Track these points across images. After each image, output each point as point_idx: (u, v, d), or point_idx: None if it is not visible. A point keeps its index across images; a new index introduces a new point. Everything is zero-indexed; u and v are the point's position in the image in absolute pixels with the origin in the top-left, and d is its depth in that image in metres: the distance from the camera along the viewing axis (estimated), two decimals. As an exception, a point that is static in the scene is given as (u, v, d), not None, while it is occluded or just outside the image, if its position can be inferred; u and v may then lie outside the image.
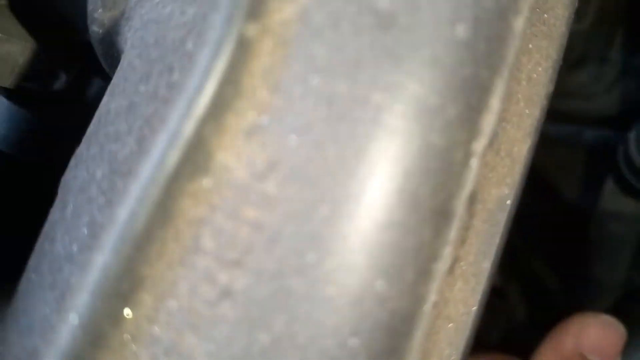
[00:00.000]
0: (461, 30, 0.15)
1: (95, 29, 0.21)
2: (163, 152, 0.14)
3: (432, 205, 0.15)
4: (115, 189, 0.16)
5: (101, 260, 0.14)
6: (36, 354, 0.16)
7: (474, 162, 0.16)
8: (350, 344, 0.14)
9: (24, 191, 0.42)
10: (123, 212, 0.14)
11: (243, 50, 0.14)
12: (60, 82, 0.35)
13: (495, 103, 0.16)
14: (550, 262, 0.86)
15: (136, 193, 0.14)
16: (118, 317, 0.14)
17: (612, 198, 0.68)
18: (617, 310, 0.63)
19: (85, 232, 0.16)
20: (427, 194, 0.15)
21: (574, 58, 0.71)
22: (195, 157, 0.14)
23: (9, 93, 0.34)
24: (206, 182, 0.15)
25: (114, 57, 0.22)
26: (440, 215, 0.15)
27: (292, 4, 0.15)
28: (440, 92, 0.15)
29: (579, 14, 0.70)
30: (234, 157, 0.15)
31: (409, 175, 0.15)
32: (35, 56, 0.34)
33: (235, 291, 0.14)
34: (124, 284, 0.14)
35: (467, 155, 0.16)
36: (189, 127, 0.14)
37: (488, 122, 0.16)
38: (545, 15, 0.22)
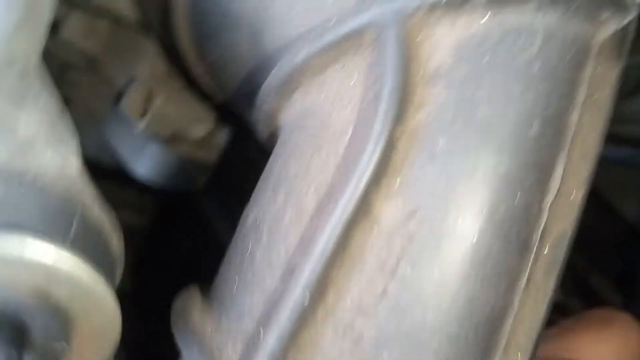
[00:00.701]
0: (534, 130, 0.23)
1: (261, 116, 0.30)
2: (345, 205, 0.23)
3: (517, 242, 0.23)
4: (303, 228, 0.25)
5: (307, 269, 0.23)
6: (254, 333, 0.25)
7: (545, 212, 0.24)
8: (465, 327, 0.23)
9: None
10: (320, 241, 0.23)
11: (392, 142, 0.23)
12: (200, 131, 0.45)
13: (558, 172, 0.24)
14: (609, 277, 0.89)
15: (327, 233, 0.23)
16: (315, 307, 0.23)
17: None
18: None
19: (283, 255, 0.25)
20: (514, 234, 0.23)
21: (631, 87, 0.76)
22: (363, 208, 0.23)
23: (165, 141, 0.43)
24: (369, 224, 0.23)
25: (272, 132, 0.31)
26: (523, 249, 0.24)
27: (421, 113, 0.24)
28: (520, 170, 0.23)
29: (634, 47, 0.75)
30: (385, 208, 0.23)
31: (502, 222, 0.23)
32: (185, 113, 0.43)
33: (389, 291, 0.23)
34: (321, 285, 0.23)
35: (540, 209, 0.24)
36: (359, 192, 0.23)
37: (554, 185, 0.24)
38: (596, 97, 0.29)
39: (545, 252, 0.28)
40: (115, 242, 0.28)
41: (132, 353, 0.35)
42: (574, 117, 0.25)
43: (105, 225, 0.27)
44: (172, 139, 0.44)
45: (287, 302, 0.23)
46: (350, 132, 0.25)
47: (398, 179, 0.23)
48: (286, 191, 0.26)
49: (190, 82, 0.45)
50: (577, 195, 0.29)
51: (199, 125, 0.45)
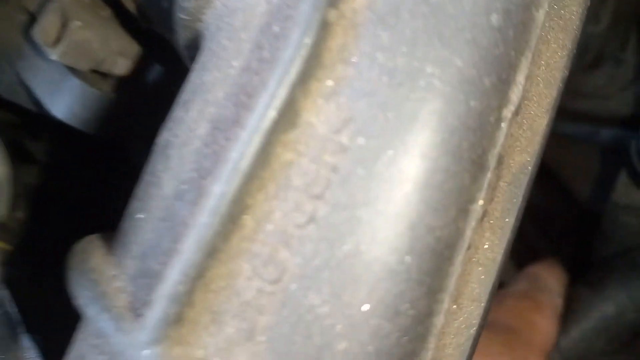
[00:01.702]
0: (495, 19, 0.19)
1: (181, 16, 0.25)
2: (263, 110, 0.18)
3: (470, 156, 0.19)
4: (218, 141, 0.20)
5: (217, 189, 0.18)
6: (154, 271, 0.20)
7: (504, 125, 0.20)
8: (406, 260, 0.19)
9: (91, 160, 0.47)
10: (233, 154, 0.18)
11: (324, 31, 0.19)
12: (125, 66, 0.40)
13: (521, 79, 0.20)
14: (565, 258, 0.89)
15: (243, 140, 0.18)
16: (227, 236, 0.18)
17: (624, 191, 0.71)
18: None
19: (194, 175, 0.20)
20: (467, 147, 0.19)
21: (590, 59, 0.74)
22: (287, 114, 0.19)
23: (83, 75, 0.38)
24: (295, 134, 0.19)
25: (193, 39, 0.27)
26: (477, 166, 0.20)
27: (362, -5, 0.19)
28: (478, 66, 0.19)
29: (595, 17, 0.73)
30: (315, 115, 0.19)
31: (452, 131, 0.19)
32: (106, 43, 0.38)
33: (318, 217, 0.19)
34: (233, 209, 0.18)
35: (499, 119, 0.20)
36: (283, 91, 0.18)
37: (515, 93, 0.20)
38: (562, 11, 0.26)
39: (503, 186, 0.24)
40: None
41: (35, 315, 0.30)
42: (540, 14, 0.21)
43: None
44: (92, 75, 0.39)
45: (193, 231, 0.19)
46: (275, 25, 0.20)
47: (331, 79, 0.19)
48: (201, 103, 0.22)
49: (116, 12, 0.40)
50: (540, 123, 0.26)
51: (124, 59, 0.39)
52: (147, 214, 0.22)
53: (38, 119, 0.42)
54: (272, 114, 0.18)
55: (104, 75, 0.40)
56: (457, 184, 0.19)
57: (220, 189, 0.18)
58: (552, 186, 0.85)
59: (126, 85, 0.40)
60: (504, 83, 0.20)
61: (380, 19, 0.19)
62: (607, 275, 0.60)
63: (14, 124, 0.48)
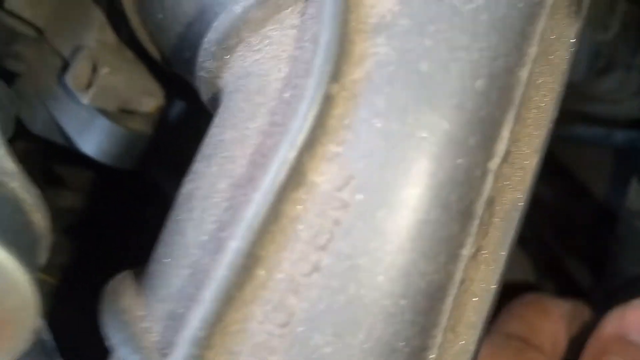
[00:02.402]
0: (479, 84, 0.21)
1: (202, 74, 0.28)
2: (276, 172, 0.21)
3: (458, 208, 0.21)
4: (235, 197, 0.23)
5: (234, 245, 0.21)
6: (178, 315, 0.23)
7: (490, 177, 0.22)
8: (401, 303, 0.21)
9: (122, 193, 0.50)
10: (248, 213, 0.21)
11: (327, 103, 0.21)
12: (150, 105, 0.43)
13: (505, 133, 0.22)
14: (583, 259, 0.89)
15: (257, 200, 0.21)
16: (243, 285, 0.21)
17: (637, 197, 0.72)
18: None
19: (214, 227, 0.23)
20: (455, 200, 0.21)
21: (602, 66, 0.75)
22: (295, 175, 0.21)
23: (111, 115, 0.41)
24: (302, 192, 0.21)
25: (213, 93, 0.29)
26: (465, 215, 0.22)
27: (360, 67, 0.21)
28: (464, 128, 0.21)
29: (603, 26, 0.74)
30: (320, 175, 0.21)
31: (442, 186, 0.21)
32: (133, 84, 0.41)
33: (322, 266, 0.21)
34: (248, 262, 0.21)
35: (485, 172, 0.22)
36: (292, 156, 0.21)
37: (500, 146, 0.23)
38: (551, 57, 0.28)
39: (496, 222, 0.26)
40: (39, 219, 0.26)
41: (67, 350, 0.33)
42: (524, 73, 0.23)
43: (26, 201, 0.25)
44: (120, 114, 0.42)
45: (213, 280, 0.21)
46: (287, 92, 0.23)
47: (334, 143, 0.21)
48: (221, 159, 0.24)
49: (140, 55, 0.43)
50: (530, 162, 0.28)
51: (149, 98, 0.42)
52: (172, 260, 0.25)
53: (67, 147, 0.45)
54: (282, 175, 0.21)
55: (130, 113, 0.43)
56: (447, 233, 0.21)
57: (237, 245, 0.21)
58: (568, 186, 0.86)
59: (152, 122, 0.43)
60: (488, 140, 0.22)
61: (377, 88, 0.21)
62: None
63: (44, 150, 0.51)
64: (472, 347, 0.27)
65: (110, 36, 0.42)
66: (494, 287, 0.27)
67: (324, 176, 0.21)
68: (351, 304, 0.21)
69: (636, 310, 0.48)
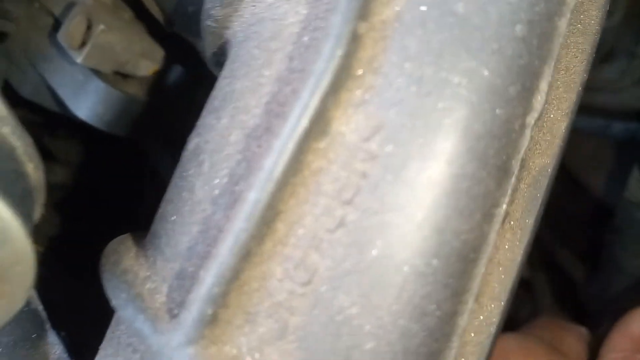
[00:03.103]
0: (519, 30, 0.20)
1: (209, 23, 0.26)
2: (296, 119, 0.19)
3: (495, 163, 0.20)
4: (250, 148, 0.21)
5: (252, 196, 0.19)
6: (186, 274, 0.21)
7: (528, 132, 0.21)
8: (433, 263, 0.19)
9: (115, 161, 0.48)
10: (267, 163, 0.19)
11: (354, 43, 0.19)
12: (148, 68, 0.40)
13: (544, 86, 0.21)
14: (575, 252, 0.89)
15: (277, 149, 0.19)
16: (261, 240, 0.19)
17: (636, 188, 0.71)
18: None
19: (226, 180, 0.21)
20: (492, 153, 0.20)
21: (603, 53, 0.74)
22: (319, 124, 0.19)
23: (106, 77, 0.39)
24: (325, 142, 0.20)
25: (220, 46, 0.27)
26: (502, 171, 0.20)
27: (390, 7, 0.20)
28: (504, 76, 0.19)
29: (608, 11, 0.73)
30: (346, 124, 0.20)
31: (479, 138, 0.19)
32: (129, 46, 0.39)
33: (347, 222, 0.19)
34: (267, 214, 0.19)
35: (523, 126, 0.21)
36: (315, 101, 0.19)
37: (539, 100, 0.21)
38: (582, 16, 0.26)
39: (523, 189, 0.25)
40: (32, 169, 0.24)
41: (60, 312, 0.31)
42: (563, 23, 0.21)
43: (18, 148, 0.23)
44: (115, 77, 0.40)
45: (228, 235, 0.19)
46: (306, 36, 0.21)
47: (361, 89, 0.20)
48: (232, 110, 0.22)
49: (140, 14, 0.41)
50: (559, 126, 0.26)
51: (146, 61, 0.40)
52: (179, 217, 0.23)
53: (56, 118, 0.43)
54: (304, 123, 0.19)
55: (126, 76, 0.41)
56: (483, 189, 0.20)
57: (255, 196, 0.19)
58: (564, 179, 0.85)
59: (149, 87, 0.41)
60: (528, 91, 0.20)
61: (408, 30, 0.20)
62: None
63: (34, 123, 0.49)
64: (495, 320, 0.25)
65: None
66: (519, 258, 0.26)
67: (350, 125, 0.19)
68: (379, 263, 0.19)
69: None
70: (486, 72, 0.19)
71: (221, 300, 0.19)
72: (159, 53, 0.41)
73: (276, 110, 0.20)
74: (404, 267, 0.19)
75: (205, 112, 0.25)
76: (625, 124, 0.77)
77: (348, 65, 0.19)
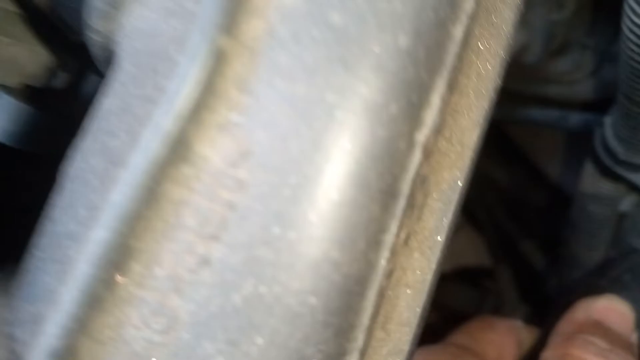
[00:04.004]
0: (402, 41, 0.18)
1: (93, 36, 0.24)
2: (149, 144, 0.17)
3: (379, 186, 0.18)
4: (109, 176, 0.19)
5: (98, 235, 0.17)
6: (40, 317, 0.19)
7: (418, 149, 0.19)
8: (310, 302, 0.17)
9: (25, 182, 0.44)
10: (116, 196, 0.17)
11: (217, 59, 0.17)
12: (60, 80, 0.38)
13: (436, 99, 0.19)
14: (537, 242, 0.89)
15: (127, 179, 0.17)
16: (111, 283, 0.17)
17: (590, 180, 0.71)
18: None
19: (84, 212, 0.19)
20: (374, 177, 0.18)
21: (556, 46, 0.73)
22: (177, 148, 0.17)
23: (14, 92, 0.36)
24: (186, 169, 0.17)
25: (109, 61, 0.25)
26: (388, 194, 0.18)
27: (260, 20, 0.18)
28: (384, 92, 0.17)
29: (560, 4, 0.72)
30: (210, 148, 0.17)
31: (358, 161, 0.18)
32: (36, 57, 0.36)
33: (212, 260, 0.17)
34: (117, 255, 0.17)
35: (411, 144, 0.19)
36: (169, 123, 0.17)
37: (430, 114, 0.19)
38: (493, 18, 0.24)
39: (431, 204, 0.23)
40: None
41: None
42: (458, 30, 0.19)
43: None
44: (26, 90, 0.37)
45: (73, 281, 0.17)
46: (174, 50, 0.19)
47: (227, 110, 0.17)
48: (99, 133, 0.20)
49: (47, 25, 0.38)
50: (470, 136, 0.24)
51: (58, 73, 0.37)
52: (41, 253, 0.20)
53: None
54: (157, 148, 0.17)
55: (39, 90, 0.38)
56: (365, 216, 0.18)
57: (102, 235, 0.17)
58: (523, 170, 0.84)
59: (64, 100, 0.39)
60: (414, 107, 0.18)
61: (281, 45, 0.17)
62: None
63: None
64: (405, 347, 0.23)
65: (9, 4, 0.37)
66: (429, 277, 0.24)
67: (214, 149, 0.17)
68: (248, 304, 0.17)
69: (607, 301, 0.49)
70: (364, 90, 0.17)
71: (67, 352, 0.17)
72: (70, 63, 0.38)
73: (137, 133, 0.18)
74: (276, 308, 0.17)
75: (79, 134, 0.22)
76: (580, 115, 0.76)
77: (210, 85, 0.17)
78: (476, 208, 0.91)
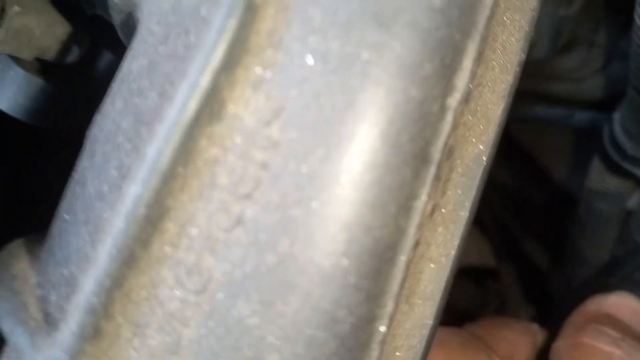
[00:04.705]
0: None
1: (115, 1, 0.23)
2: (184, 101, 0.17)
3: (411, 149, 0.18)
4: (140, 136, 0.18)
5: (133, 191, 0.17)
6: (73, 278, 0.19)
7: (449, 115, 0.19)
8: (342, 264, 0.17)
9: (36, 156, 0.44)
10: (151, 151, 0.17)
11: (251, 13, 0.17)
12: (73, 55, 0.38)
13: (467, 63, 0.19)
14: (541, 242, 0.88)
15: (162, 135, 0.17)
16: (147, 242, 0.17)
17: (598, 177, 0.70)
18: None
19: (115, 173, 0.19)
20: (407, 139, 0.18)
21: (563, 42, 0.73)
22: (211, 105, 0.17)
23: (25, 64, 0.36)
24: (220, 127, 0.17)
25: (131, 26, 0.25)
26: (419, 159, 0.18)
27: (292, -25, 0.17)
28: (418, 51, 0.17)
29: (567, 0, 0.72)
30: (243, 106, 0.17)
31: (391, 122, 0.17)
32: (50, 30, 0.36)
33: (246, 219, 0.17)
34: (152, 212, 0.17)
35: (443, 108, 0.18)
36: (205, 80, 0.17)
37: (462, 79, 0.19)
38: (517, -6, 0.24)
39: (455, 179, 0.23)
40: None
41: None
42: (489, -6, 0.19)
43: None
44: (38, 64, 0.37)
45: (109, 238, 0.17)
46: (204, 7, 0.18)
47: (260, 66, 0.17)
48: (126, 93, 0.20)
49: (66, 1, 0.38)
50: (495, 110, 0.24)
51: (72, 48, 0.37)
52: (72, 216, 0.20)
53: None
54: (193, 105, 0.17)
55: (51, 64, 0.38)
56: (397, 179, 0.18)
57: (137, 191, 0.17)
58: (527, 169, 0.84)
59: (75, 75, 0.38)
60: (447, 69, 0.18)
61: (313, 0, 0.17)
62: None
63: None
64: (429, 321, 0.23)
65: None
66: (453, 253, 0.24)
67: (248, 107, 0.17)
68: (282, 265, 0.17)
69: (619, 297, 0.49)
70: (398, 47, 0.17)
71: (103, 310, 0.17)
72: (84, 38, 0.38)
73: (169, 92, 0.18)
74: (310, 269, 0.17)
75: (105, 97, 0.22)
76: (587, 113, 0.76)
77: (243, 39, 0.17)
78: (480, 207, 0.91)
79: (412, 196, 0.18)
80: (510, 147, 0.85)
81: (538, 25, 0.71)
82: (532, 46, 0.72)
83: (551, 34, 0.69)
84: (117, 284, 0.17)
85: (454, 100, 0.19)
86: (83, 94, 0.38)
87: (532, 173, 0.85)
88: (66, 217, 0.21)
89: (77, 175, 0.21)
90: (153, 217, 0.17)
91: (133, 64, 0.20)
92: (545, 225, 0.87)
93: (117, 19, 0.24)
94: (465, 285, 0.92)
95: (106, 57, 0.39)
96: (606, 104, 0.71)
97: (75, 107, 0.38)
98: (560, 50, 0.72)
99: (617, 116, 0.63)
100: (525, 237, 0.90)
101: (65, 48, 0.37)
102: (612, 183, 0.69)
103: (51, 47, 0.36)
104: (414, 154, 0.18)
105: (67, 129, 0.39)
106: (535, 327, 0.52)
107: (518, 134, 0.84)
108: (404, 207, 0.18)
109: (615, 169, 0.66)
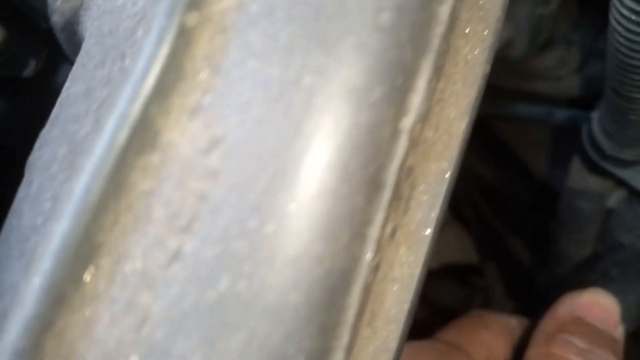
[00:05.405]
0: (385, 18, 0.17)
1: (56, 19, 0.22)
2: (114, 131, 0.16)
3: (362, 176, 0.17)
4: (73, 166, 0.17)
5: (61, 229, 0.16)
6: (5, 315, 0.17)
7: (404, 137, 0.18)
8: (291, 298, 0.16)
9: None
10: (80, 186, 0.16)
11: (184, 38, 0.16)
12: (30, 69, 0.36)
13: (421, 84, 0.18)
14: (524, 238, 0.88)
15: (91, 168, 0.16)
16: (78, 280, 0.16)
17: (578, 176, 0.70)
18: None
19: (48, 206, 0.18)
20: (357, 166, 0.17)
21: (542, 41, 0.73)
22: (143, 135, 0.16)
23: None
24: (154, 157, 0.16)
25: (77, 45, 0.24)
26: (371, 185, 0.17)
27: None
28: (366, 75, 0.16)
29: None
30: (179, 134, 0.16)
31: (339, 150, 0.16)
32: (5, 44, 0.35)
33: (184, 254, 0.16)
34: (83, 250, 0.16)
35: (396, 131, 0.18)
36: (135, 108, 0.16)
37: (415, 101, 0.18)
38: (481, 1, 0.24)
39: (417, 197, 0.22)
40: None
41: None
42: (444, 9, 0.18)
43: None
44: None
45: (37, 274, 0.16)
46: (140, 30, 0.17)
47: (197, 92, 0.16)
48: (64, 120, 0.19)
49: (17, 13, 0.36)
50: (458, 126, 0.23)
51: (28, 61, 0.36)
52: (7, 249, 0.19)
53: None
54: (123, 135, 0.16)
55: (8, 79, 0.36)
56: (348, 207, 0.17)
57: (66, 226, 0.15)
58: (510, 166, 0.84)
59: (35, 88, 0.37)
60: (398, 91, 0.17)
61: (253, 22, 0.16)
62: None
63: None
64: (393, 345, 0.22)
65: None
66: (417, 272, 0.23)
67: (184, 135, 0.16)
68: (224, 302, 0.16)
69: (592, 295, 0.49)
70: (344, 71, 0.16)
71: (32, 352, 0.16)
72: (42, 51, 0.37)
73: (101, 121, 0.17)
74: (255, 305, 0.16)
75: (46, 122, 0.21)
76: (567, 111, 0.76)
77: (177, 65, 0.16)
78: (462, 204, 0.90)
79: (365, 223, 0.17)
80: (493, 144, 0.85)
81: (517, 24, 0.71)
82: (510, 44, 0.71)
83: (529, 32, 0.69)
84: (46, 324, 0.16)
85: (408, 122, 0.18)
86: (40, 109, 0.37)
87: (514, 170, 0.85)
88: (2, 249, 0.20)
89: (15, 205, 0.20)
90: (84, 254, 0.16)
91: (71, 89, 0.19)
92: (528, 221, 0.87)
93: (62, 38, 0.23)
94: (448, 282, 0.92)
95: (66, 70, 0.38)
96: (586, 102, 0.70)
97: (31, 122, 0.36)
98: (538, 49, 0.72)
99: (595, 116, 0.63)
100: (508, 234, 0.90)
101: (21, 62, 0.36)
102: (592, 182, 0.69)
103: (6, 62, 0.35)
104: (365, 181, 0.17)
105: (21, 146, 0.37)
106: (514, 321, 0.52)
107: (500, 131, 0.84)
108: (357, 235, 0.17)
109: (595, 169, 0.66)
